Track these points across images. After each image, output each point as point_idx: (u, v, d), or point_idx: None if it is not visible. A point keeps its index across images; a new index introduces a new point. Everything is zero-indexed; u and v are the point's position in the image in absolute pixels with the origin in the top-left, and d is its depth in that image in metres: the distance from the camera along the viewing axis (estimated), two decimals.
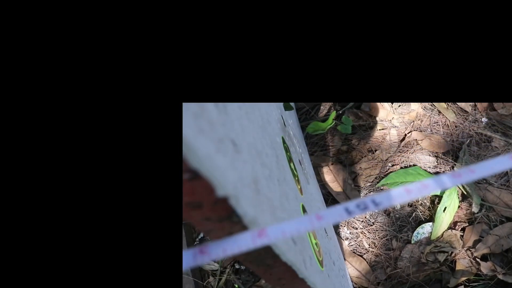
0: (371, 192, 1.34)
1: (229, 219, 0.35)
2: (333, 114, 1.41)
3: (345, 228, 1.32)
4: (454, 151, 1.37)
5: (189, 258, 0.38)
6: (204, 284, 1.31)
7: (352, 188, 1.35)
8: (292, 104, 1.11)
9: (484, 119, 1.40)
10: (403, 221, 1.31)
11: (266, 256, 0.46)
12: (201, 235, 1.37)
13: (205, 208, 0.33)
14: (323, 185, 1.37)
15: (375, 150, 1.40)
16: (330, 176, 1.37)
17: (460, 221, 1.28)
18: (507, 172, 1.32)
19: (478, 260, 1.23)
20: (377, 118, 1.45)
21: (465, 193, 1.30)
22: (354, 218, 1.32)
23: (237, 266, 1.32)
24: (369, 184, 1.35)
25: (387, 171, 1.37)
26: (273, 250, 0.44)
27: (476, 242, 1.25)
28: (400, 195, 0.37)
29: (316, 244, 0.72)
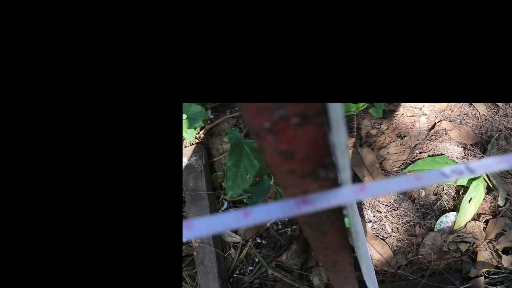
0: (398, 177, 1.34)
1: (312, 175, 0.35)
2: None
3: (369, 211, 1.32)
4: (482, 144, 1.38)
5: (293, 206, 0.37)
6: (225, 255, 1.31)
7: (378, 172, 1.35)
8: None
9: None
10: (427, 209, 1.31)
11: (325, 222, 0.47)
12: (225, 206, 1.36)
13: (297, 159, 0.32)
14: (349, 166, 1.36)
15: (404, 136, 1.40)
16: (357, 158, 1.37)
17: (484, 213, 1.29)
18: None
19: (499, 252, 1.24)
20: (408, 105, 1.44)
21: (491, 186, 1.31)
22: (378, 201, 1.32)
23: (258, 240, 1.32)
24: (395, 169, 1.36)
25: (414, 157, 1.37)
26: (342, 212, 0.46)
27: (498, 235, 1.26)
28: (490, 165, 0.39)
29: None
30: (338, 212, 0.45)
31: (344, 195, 0.38)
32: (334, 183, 0.38)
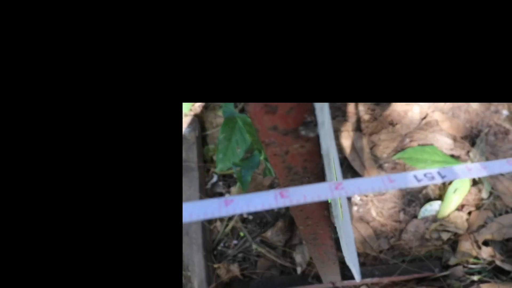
0: (386, 163, 1.36)
1: (294, 132, 0.36)
2: None
3: (356, 195, 1.34)
4: (471, 137, 1.40)
5: (272, 199, 0.39)
6: (211, 227, 1.33)
7: (368, 156, 1.37)
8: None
9: (505, 112, 1.42)
10: (413, 196, 1.34)
11: None
12: (214, 179, 1.38)
13: (278, 114, 0.34)
14: (340, 149, 1.38)
15: (396, 124, 1.41)
16: (348, 141, 1.39)
17: (468, 205, 1.32)
18: None
19: (479, 244, 1.26)
20: None
21: (476, 179, 1.33)
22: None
23: (245, 215, 1.34)
24: (385, 155, 1.38)
25: (404, 145, 1.39)
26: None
27: (480, 227, 1.29)
28: (462, 171, 0.42)
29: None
30: (320, 179, 0.46)
31: (320, 191, 0.40)
32: (316, 145, 0.39)
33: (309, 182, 0.46)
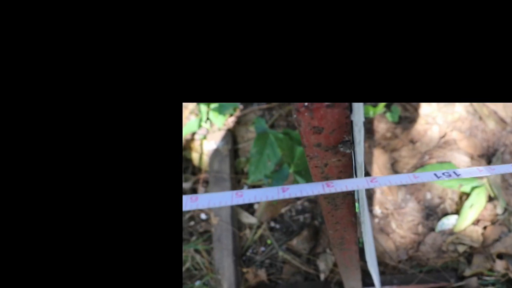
0: None
1: (334, 148, 0.45)
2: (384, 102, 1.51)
3: (377, 207, 1.43)
4: (488, 156, 1.47)
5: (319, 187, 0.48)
6: (241, 235, 1.42)
7: (389, 172, 1.45)
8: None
9: None
10: (431, 210, 1.42)
11: (339, 195, 0.56)
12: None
13: (324, 134, 0.42)
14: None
15: (416, 142, 1.50)
16: (370, 157, 1.48)
17: (483, 220, 1.39)
18: None
19: (494, 257, 1.34)
20: (422, 113, 1.54)
21: (492, 195, 1.40)
22: (387, 199, 1.43)
23: (272, 224, 1.43)
24: (405, 171, 1.46)
25: (424, 162, 1.47)
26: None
27: (494, 241, 1.36)
28: (473, 172, 0.49)
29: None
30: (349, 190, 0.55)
31: (359, 183, 0.48)
32: (349, 160, 0.48)
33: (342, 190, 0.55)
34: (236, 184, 1.48)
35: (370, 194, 1.43)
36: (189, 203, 0.43)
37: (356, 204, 0.64)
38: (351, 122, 0.41)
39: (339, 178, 0.51)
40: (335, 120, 0.41)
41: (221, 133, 1.47)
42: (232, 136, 1.51)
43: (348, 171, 0.51)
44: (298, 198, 1.45)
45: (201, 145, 1.49)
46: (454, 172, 0.48)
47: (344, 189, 0.45)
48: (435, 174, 0.47)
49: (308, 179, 1.19)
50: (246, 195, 0.43)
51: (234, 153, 1.52)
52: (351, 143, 0.45)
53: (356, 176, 0.51)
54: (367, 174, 1.47)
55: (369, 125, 1.54)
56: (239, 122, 1.55)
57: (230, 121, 1.54)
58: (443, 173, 0.47)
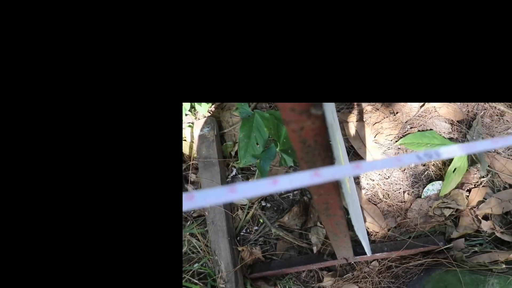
0: (390, 149, 1.49)
1: (306, 112, 0.48)
2: None
3: (363, 179, 1.46)
4: (468, 121, 1.51)
5: (307, 177, 0.50)
6: (233, 216, 1.46)
7: (372, 144, 1.49)
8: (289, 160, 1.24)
9: None
10: (416, 178, 1.46)
11: (317, 159, 0.59)
12: (234, 172, 1.51)
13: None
14: (346, 139, 1.51)
15: (397, 113, 1.54)
16: (353, 131, 1.51)
17: (467, 183, 1.43)
18: None
19: (479, 218, 1.38)
20: None
21: (475, 158, 1.45)
22: (372, 171, 1.47)
23: (263, 203, 1.47)
24: (388, 142, 1.50)
25: (405, 132, 1.51)
26: (331, 150, 0.57)
27: (479, 203, 1.40)
28: (454, 151, 0.51)
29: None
30: (327, 150, 0.58)
31: (345, 170, 0.48)
32: (323, 122, 0.52)
33: (320, 154, 0.58)
34: (225, 167, 1.51)
35: None
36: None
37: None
38: None
39: (315, 141, 0.54)
40: None
41: (206, 120, 1.50)
42: (217, 121, 1.54)
43: (323, 134, 0.54)
44: None
45: (189, 133, 1.52)
46: (435, 153, 0.49)
47: (331, 178, 0.46)
48: (417, 156, 0.48)
49: (294, 157, 1.22)
50: (240, 190, 0.43)
51: (221, 138, 1.55)
52: (321, 105, 0.48)
53: (330, 138, 0.55)
54: (352, 148, 1.50)
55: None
56: (222, 107, 1.58)
57: (214, 107, 1.57)
58: (424, 155, 0.48)
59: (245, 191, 0.42)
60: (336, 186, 0.71)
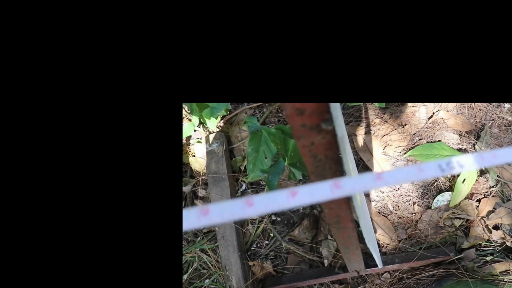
0: (398, 161, 1.49)
1: (317, 128, 0.49)
2: None
3: (373, 191, 1.47)
4: (476, 131, 1.52)
5: (327, 190, 0.51)
6: (244, 230, 1.47)
7: (381, 156, 1.49)
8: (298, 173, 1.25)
9: (506, 105, 1.54)
10: (425, 189, 1.46)
11: (328, 172, 0.59)
12: (243, 187, 1.52)
13: (306, 114, 0.46)
14: (355, 151, 1.51)
15: (405, 125, 1.54)
16: (362, 144, 1.52)
17: (476, 193, 1.43)
18: None
19: (490, 228, 1.38)
20: None
21: (484, 169, 1.45)
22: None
23: (273, 218, 1.48)
24: (397, 154, 1.50)
25: (414, 144, 1.51)
26: (341, 164, 0.58)
27: (489, 213, 1.40)
28: (477, 160, 0.49)
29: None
30: (338, 164, 0.59)
31: (365, 181, 0.47)
32: (333, 137, 0.53)
33: (330, 167, 0.59)
34: (235, 182, 1.52)
35: None
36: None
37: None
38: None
39: (326, 156, 0.55)
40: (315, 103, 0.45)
41: (215, 135, 1.52)
42: (226, 137, 1.55)
43: (333, 148, 0.55)
44: None
45: (198, 148, 1.53)
46: (458, 163, 0.47)
47: (352, 191, 0.46)
48: (439, 166, 0.46)
49: (303, 170, 1.23)
50: (257, 204, 0.41)
51: (230, 153, 1.56)
52: (331, 120, 0.49)
53: (340, 152, 0.55)
54: (361, 160, 1.51)
55: (357, 113, 1.58)
56: (231, 122, 1.60)
57: (222, 122, 1.59)
58: (447, 164, 0.47)
59: (262, 204, 0.41)
60: (347, 200, 0.71)
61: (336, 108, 0.46)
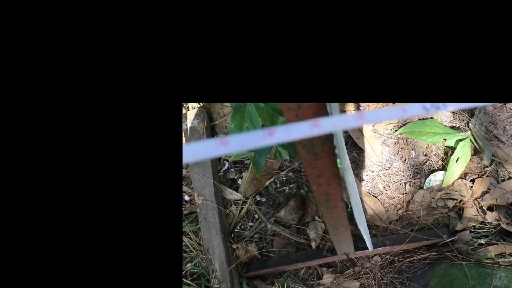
0: (389, 139, 1.42)
1: None
2: None
3: (363, 170, 1.40)
4: (470, 109, 1.45)
5: (306, 128, 0.44)
6: (227, 211, 1.39)
7: (372, 133, 1.42)
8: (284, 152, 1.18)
9: None
10: (417, 168, 1.40)
11: (317, 142, 0.54)
12: (226, 166, 1.44)
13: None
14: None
15: (396, 101, 1.47)
16: None
17: (470, 173, 1.37)
18: None
19: (484, 209, 1.32)
20: None
21: (478, 147, 1.38)
22: (371, 161, 1.40)
23: (258, 198, 1.40)
24: (388, 131, 1.43)
25: (405, 121, 1.44)
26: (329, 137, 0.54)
27: (483, 193, 1.34)
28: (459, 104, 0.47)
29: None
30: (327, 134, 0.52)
31: (347, 121, 0.44)
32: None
33: (319, 137, 0.52)
34: (217, 161, 1.44)
35: (353, 158, 1.40)
36: (267, 138, 0.40)
37: (338, 160, 0.62)
38: None
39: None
40: None
41: (195, 111, 1.43)
42: (207, 113, 1.47)
43: (323, 113, 0.48)
44: (281, 169, 1.42)
45: None
46: (443, 104, 0.46)
47: (333, 129, 0.43)
48: (424, 107, 0.46)
49: (290, 150, 1.16)
50: (232, 143, 0.40)
51: (212, 130, 1.47)
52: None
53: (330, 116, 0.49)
54: (350, 138, 1.44)
55: None
56: None
57: None
58: (431, 105, 0.46)
59: (238, 143, 0.40)
60: (337, 176, 0.65)
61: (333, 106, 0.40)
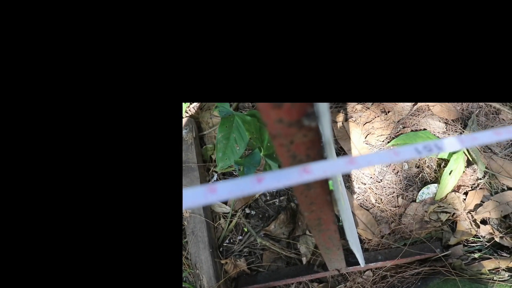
0: (382, 150, 1.39)
1: (297, 124, 0.39)
2: None
3: (354, 183, 1.37)
4: (463, 119, 1.43)
5: (296, 174, 0.41)
6: (215, 225, 1.35)
7: (363, 145, 1.39)
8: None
9: None
10: (409, 181, 1.37)
11: None
12: (215, 177, 1.40)
13: (284, 108, 0.37)
14: (336, 140, 1.41)
15: (388, 112, 1.44)
16: (343, 132, 1.42)
17: (464, 185, 1.35)
18: (511, 143, 1.39)
19: (477, 222, 1.30)
20: None
21: (471, 159, 1.36)
22: (363, 173, 1.37)
23: (247, 211, 1.37)
24: (380, 143, 1.40)
25: (398, 132, 1.42)
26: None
27: (477, 206, 1.32)
28: (454, 143, 0.46)
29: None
30: None
31: (337, 166, 0.42)
32: (317, 134, 0.42)
33: None
34: (206, 172, 1.40)
35: None
36: (256, 185, 0.39)
37: (330, 182, 0.59)
38: None
39: (308, 155, 0.46)
40: None
41: (184, 121, 1.39)
42: (196, 123, 1.43)
43: (317, 147, 0.45)
44: None
45: None
46: (435, 145, 0.45)
47: (323, 175, 0.41)
48: (416, 149, 0.44)
49: (280, 162, 1.12)
50: (220, 191, 0.39)
51: (200, 140, 1.44)
52: (316, 115, 0.39)
53: (325, 153, 0.46)
54: (342, 150, 1.41)
55: None
56: (201, 107, 1.47)
57: (192, 107, 1.46)
58: (424, 147, 0.45)
59: (226, 190, 0.38)
60: (329, 201, 0.62)
61: (322, 105, 0.36)
